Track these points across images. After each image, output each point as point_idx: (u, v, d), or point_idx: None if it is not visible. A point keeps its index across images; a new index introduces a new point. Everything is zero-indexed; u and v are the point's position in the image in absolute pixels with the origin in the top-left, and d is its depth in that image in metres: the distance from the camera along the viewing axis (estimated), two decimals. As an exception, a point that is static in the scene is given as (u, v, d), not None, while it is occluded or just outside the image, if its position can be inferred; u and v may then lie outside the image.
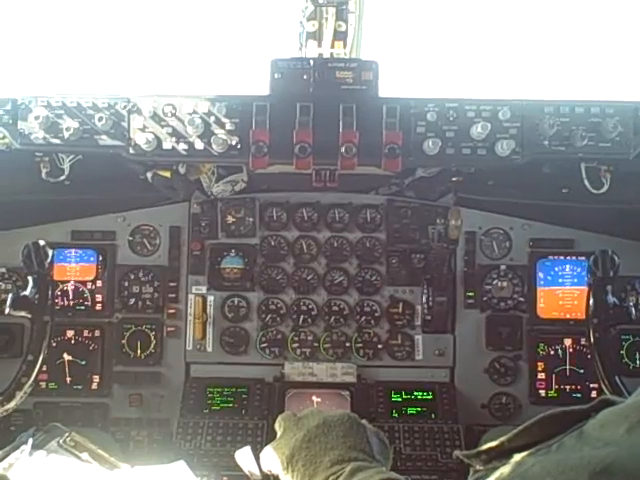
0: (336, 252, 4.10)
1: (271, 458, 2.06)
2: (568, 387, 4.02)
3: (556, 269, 4.08)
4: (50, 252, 3.21)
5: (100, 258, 4.08)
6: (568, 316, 4.04)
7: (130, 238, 4.11)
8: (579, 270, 4.04)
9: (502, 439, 1.19)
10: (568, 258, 4.07)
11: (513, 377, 4.03)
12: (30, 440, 2.80)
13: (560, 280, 4.07)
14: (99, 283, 4.09)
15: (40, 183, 3.32)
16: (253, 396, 3.89)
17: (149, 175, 3.64)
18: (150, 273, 4.10)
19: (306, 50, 3.68)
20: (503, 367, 4.03)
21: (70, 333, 4.06)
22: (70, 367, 4.03)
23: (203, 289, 4.10)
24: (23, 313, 3.14)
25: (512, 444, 1.17)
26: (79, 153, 3.23)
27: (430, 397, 3.93)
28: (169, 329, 4.07)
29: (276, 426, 2.20)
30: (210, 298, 4.09)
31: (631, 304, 3.34)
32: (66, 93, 3.10)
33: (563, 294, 4.07)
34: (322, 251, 4.10)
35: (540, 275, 4.07)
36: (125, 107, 3.08)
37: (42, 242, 3.21)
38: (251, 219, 4.09)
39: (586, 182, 3.22)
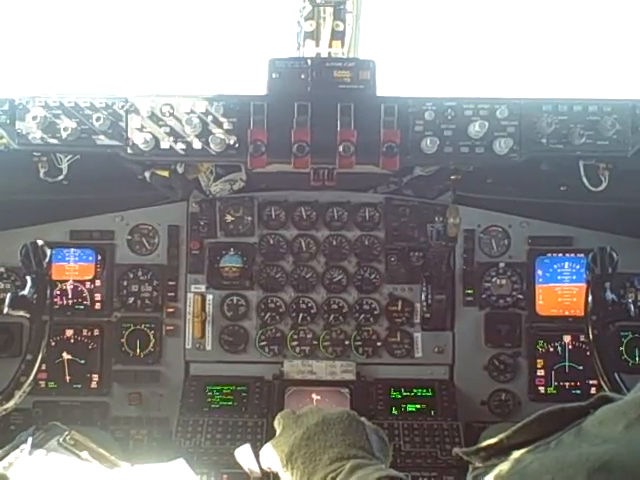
0: (335, 250, 4.10)
1: (271, 456, 2.07)
2: (567, 384, 4.02)
3: (555, 266, 4.08)
4: (48, 252, 3.21)
5: (99, 257, 4.09)
6: (567, 313, 4.05)
7: (129, 237, 4.11)
8: (578, 267, 4.04)
9: (501, 436, 1.19)
10: (567, 255, 4.08)
11: (512, 374, 4.04)
12: (30, 439, 2.81)
13: (559, 277, 4.08)
14: (98, 282, 4.10)
15: (38, 183, 3.32)
16: (252, 394, 3.90)
17: (147, 174, 3.64)
18: (149, 272, 4.10)
19: (304, 50, 3.67)
20: (502, 364, 4.04)
21: (69, 332, 4.06)
22: (69, 366, 4.04)
23: (202, 288, 4.10)
24: (22, 313, 3.14)
25: (511, 441, 1.17)
26: (77, 153, 3.22)
27: (429, 394, 3.93)
28: (168, 328, 4.08)
29: (275, 424, 2.20)
30: (209, 297, 4.10)
31: (630, 301, 3.34)
32: (63, 93, 3.10)
33: (562, 291, 4.08)
34: (321, 249, 4.10)
35: (539, 272, 4.08)
36: (123, 107, 3.08)
37: (40, 242, 3.20)
38: (250, 218, 4.09)
39: (584, 180, 3.22)
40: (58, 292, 4.03)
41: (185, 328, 4.08)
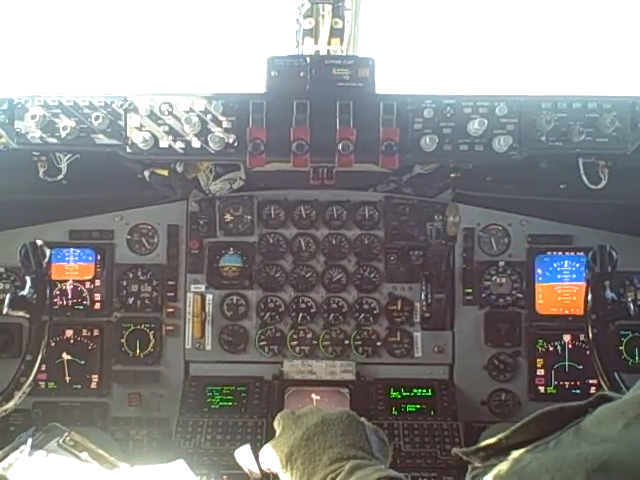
0: (334, 249, 4.10)
1: (270, 456, 2.06)
2: (567, 383, 4.02)
3: (554, 265, 4.08)
4: (48, 252, 3.21)
5: (98, 257, 4.08)
6: (567, 312, 4.04)
7: (128, 237, 4.10)
8: (577, 266, 4.04)
9: (500, 436, 1.19)
10: (566, 254, 4.07)
11: (512, 373, 4.04)
12: (29, 440, 2.80)
13: (558, 276, 4.07)
14: (97, 282, 4.09)
15: (37, 182, 3.32)
16: (252, 394, 3.89)
17: (147, 174, 3.64)
18: (149, 272, 4.09)
19: (303, 47, 3.67)
20: (502, 363, 4.03)
21: (69, 332, 4.06)
22: (69, 367, 4.04)
23: (202, 287, 4.09)
24: (21, 313, 3.13)
25: (510, 441, 1.17)
26: (76, 152, 3.22)
27: (429, 394, 3.93)
28: (168, 328, 4.07)
29: (275, 424, 2.20)
30: (209, 296, 4.09)
31: (629, 299, 3.35)
32: (62, 92, 3.09)
33: (562, 290, 4.07)
34: (320, 249, 4.10)
35: (538, 271, 4.07)
36: (122, 106, 3.08)
37: (40, 242, 3.20)
38: (249, 217, 4.09)
39: (584, 178, 3.21)
40: (58, 292, 4.02)
41: (185, 328, 4.07)
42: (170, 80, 5.25)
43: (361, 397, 3.86)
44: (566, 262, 4.07)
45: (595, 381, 3.85)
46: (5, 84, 4.55)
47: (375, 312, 4.07)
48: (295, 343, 4.07)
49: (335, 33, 3.59)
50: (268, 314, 4.08)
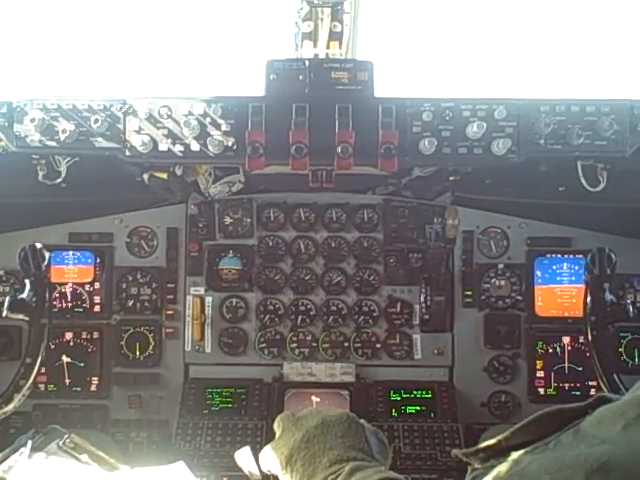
0: (334, 252, 4.10)
1: (270, 458, 2.06)
2: (567, 385, 4.02)
3: (554, 267, 4.08)
4: (47, 255, 3.21)
5: (98, 260, 4.08)
6: (566, 314, 4.04)
7: (127, 240, 4.11)
8: (576, 268, 4.04)
9: (499, 437, 1.19)
10: (565, 256, 4.07)
11: (512, 375, 4.04)
12: (29, 442, 2.80)
13: (558, 278, 4.08)
14: (97, 285, 4.09)
15: (37, 185, 3.32)
16: (252, 396, 3.90)
17: (146, 177, 3.64)
18: (148, 274, 4.10)
19: (302, 51, 3.67)
20: (502, 365, 4.03)
21: (69, 335, 4.06)
22: (69, 369, 4.04)
23: (201, 290, 4.10)
24: (21, 316, 3.13)
25: (509, 442, 1.17)
26: (75, 155, 3.22)
27: (429, 396, 3.93)
28: (168, 330, 4.07)
29: (275, 426, 2.20)
30: (208, 299, 4.09)
31: (628, 302, 3.34)
32: (61, 95, 3.10)
33: (561, 292, 4.08)
34: (320, 251, 4.10)
35: (538, 273, 4.07)
36: (121, 109, 3.08)
37: (39, 245, 3.20)
38: (248, 220, 4.09)
39: (583, 180, 3.22)
40: (57, 295, 4.02)
41: (184, 330, 4.07)
42: (169, 83, 5.26)
43: (361, 399, 3.86)
44: (565, 264, 4.07)
45: (595, 383, 3.85)
46: (4, 87, 4.54)
47: (374, 314, 4.08)
48: (295, 345, 4.08)
49: (334, 36, 3.60)
50: (268, 316, 4.09)
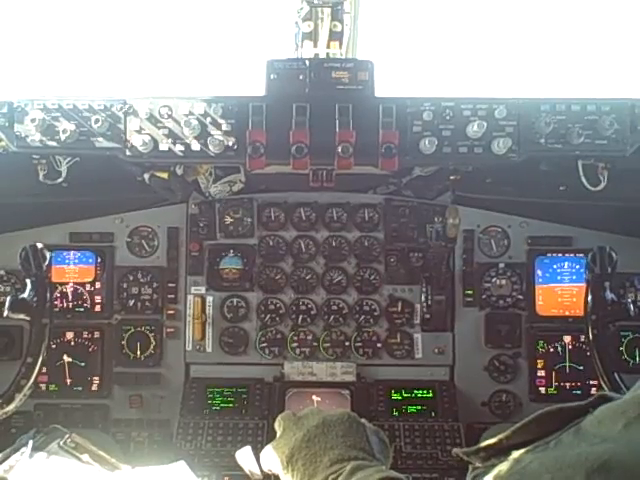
0: (334, 251, 4.10)
1: (271, 458, 2.06)
2: (568, 384, 4.02)
3: (554, 266, 4.08)
4: (48, 254, 3.21)
5: (99, 260, 4.09)
6: (567, 313, 4.04)
7: (128, 239, 4.11)
8: (577, 267, 4.04)
9: (500, 436, 1.19)
10: (566, 255, 4.08)
11: (513, 375, 4.04)
12: (30, 442, 2.80)
13: (558, 277, 4.08)
14: (98, 285, 4.10)
15: (38, 185, 3.32)
16: (253, 396, 3.90)
17: (146, 176, 3.64)
18: (149, 274, 4.10)
19: (302, 50, 3.67)
20: (503, 365, 4.03)
21: (70, 335, 4.06)
22: (70, 369, 4.04)
23: (202, 290, 4.10)
24: (22, 316, 3.13)
25: (510, 441, 1.17)
26: (76, 155, 3.22)
27: (430, 395, 3.93)
28: (168, 330, 4.08)
29: (276, 426, 2.20)
30: (209, 299, 4.10)
31: (629, 300, 3.34)
32: (62, 95, 3.09)
33: (562, 291, 4.08)
34: (320, 251, 4.10)
35: (538, 272, 4.07)
36: (121, 109, 3.08)
37: (40, 245, 3.20)
38: (249, 219, 4.09)
39: (583, 179, 3.22)
40: (58, 295, 4.03)
41: (185, 330, 4.08)
42: (170, 83, 5.26)
43: (362, 398, 3.86)
44: (566, 263, 4.08)
45: (595, 382, 3.85)
46: (5, 87, 4.55)
47: (375, 314, 4.08)
48: (295, 345, 4.08)
49: (334, 36, 3.60)
50: (268, 316, 4.09)
